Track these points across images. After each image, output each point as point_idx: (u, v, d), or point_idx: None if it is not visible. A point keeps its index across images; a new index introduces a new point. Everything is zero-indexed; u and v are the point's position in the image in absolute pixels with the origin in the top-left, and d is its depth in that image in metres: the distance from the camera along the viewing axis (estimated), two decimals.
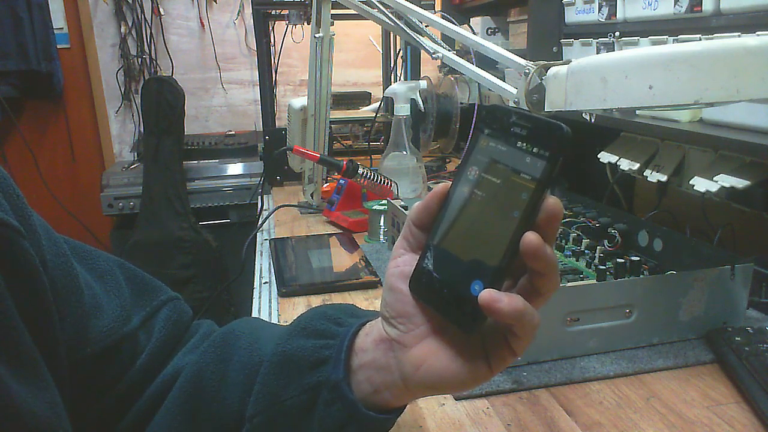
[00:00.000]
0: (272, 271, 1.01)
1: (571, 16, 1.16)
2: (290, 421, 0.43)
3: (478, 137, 0.38)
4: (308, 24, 1.37)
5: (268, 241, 1.16)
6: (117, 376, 0.46)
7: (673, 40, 0.88)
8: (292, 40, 2.11)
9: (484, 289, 0.35)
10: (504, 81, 0.71)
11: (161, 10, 2.49)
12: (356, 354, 0.43)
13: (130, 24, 2.48)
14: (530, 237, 0.34)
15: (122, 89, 2.54)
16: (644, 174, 0.98)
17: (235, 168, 2.30)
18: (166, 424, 0.46)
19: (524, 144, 0.35)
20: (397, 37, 1.78)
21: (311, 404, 0.43)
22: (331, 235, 1.18)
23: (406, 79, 1.77)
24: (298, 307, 0.88)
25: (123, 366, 0.46)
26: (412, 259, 0.40)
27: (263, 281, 1.00)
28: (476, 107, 1.69)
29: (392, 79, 1.86)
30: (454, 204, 0.38)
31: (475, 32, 1.78)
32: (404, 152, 1.29)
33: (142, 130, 2.49)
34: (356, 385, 0.42)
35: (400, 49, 1.83)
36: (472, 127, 0.38)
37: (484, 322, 0.36)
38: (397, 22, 0.90)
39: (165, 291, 0.52)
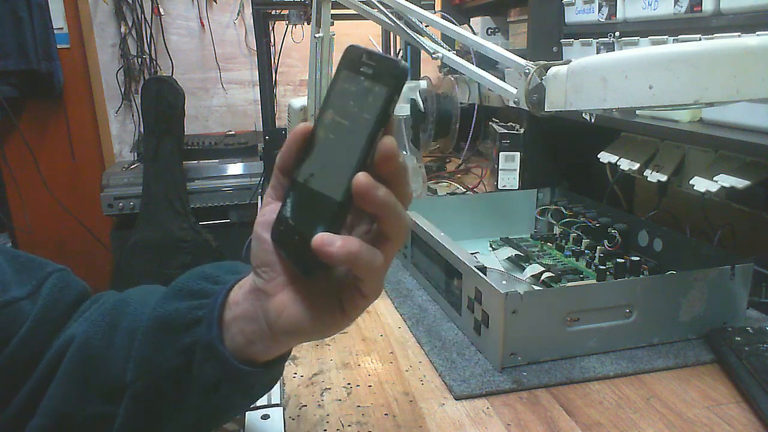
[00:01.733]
0: None
1: (571, 16, 1.16)
2: (168, 384, 0.43)
3: (337, 79, 0.36)
4: (308, 24, 1.37)
5: None
6: None
7: (673, 40, 0.88)
8: (292, 40, 2.11)
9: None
10: (504, 81, 0.71)
11: (161, 10, 2.49)
12: (230, 308, 0.43)
13: (130, 24, 2.48)
14: (359, 178, 0.33)
15: (122, 89, 2.54)
16: (644, 174, 0.97)
17: (235, 168, 2.31)
18: (61, 392, 0.46)
19: (368, 82, 0.34)
20: (397, 37, 1.78)
21: (187, 366, 0.42)
22: None
23: None
24: None
25: (1, 337, 0.45)
26: (278, 207, 0.39)
27: None
28: (476, 107, 1.69)
29: None
30: (310, 147, 0.37)
31: (475, 32, 1.78)
32: (404, 152, 1.29)
33: (142, 130, 2.49)
34: (230, 339, 0.42)
35: (400, 49, 1.84)
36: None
37: (322, 266, 0.36)
38: (397, 22, 0.89)
39: (51, 265, 0.52)
